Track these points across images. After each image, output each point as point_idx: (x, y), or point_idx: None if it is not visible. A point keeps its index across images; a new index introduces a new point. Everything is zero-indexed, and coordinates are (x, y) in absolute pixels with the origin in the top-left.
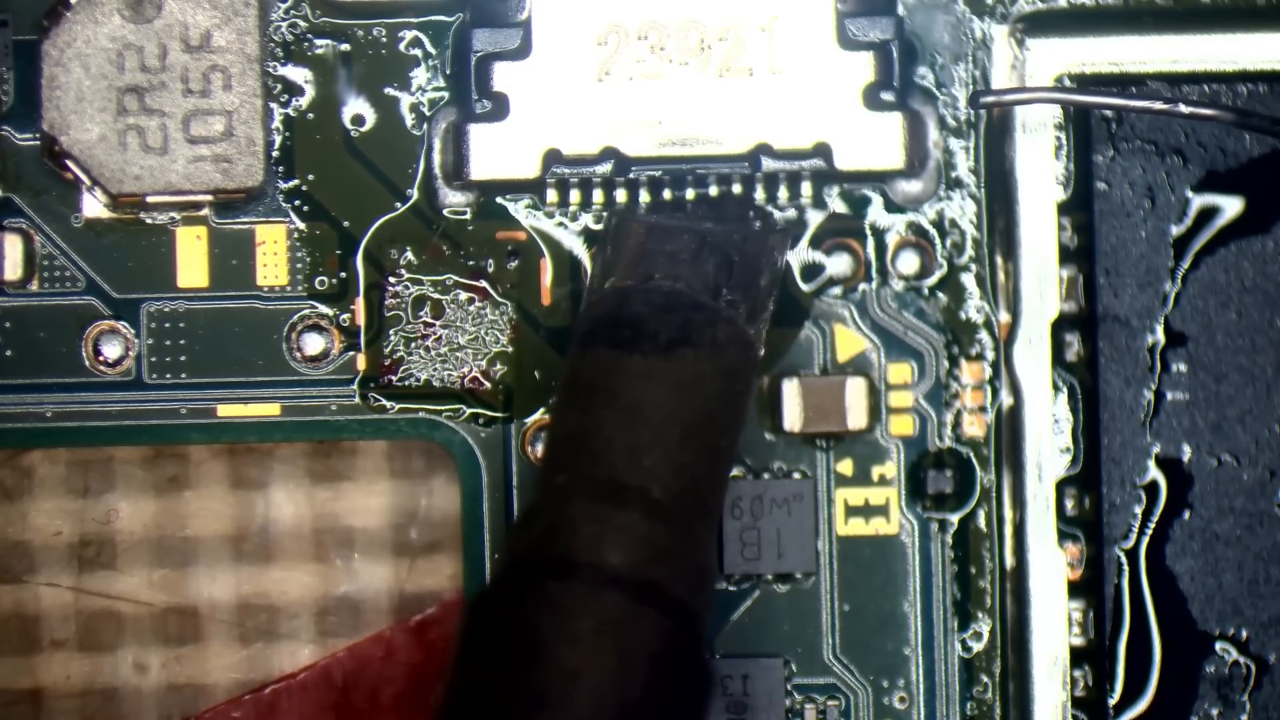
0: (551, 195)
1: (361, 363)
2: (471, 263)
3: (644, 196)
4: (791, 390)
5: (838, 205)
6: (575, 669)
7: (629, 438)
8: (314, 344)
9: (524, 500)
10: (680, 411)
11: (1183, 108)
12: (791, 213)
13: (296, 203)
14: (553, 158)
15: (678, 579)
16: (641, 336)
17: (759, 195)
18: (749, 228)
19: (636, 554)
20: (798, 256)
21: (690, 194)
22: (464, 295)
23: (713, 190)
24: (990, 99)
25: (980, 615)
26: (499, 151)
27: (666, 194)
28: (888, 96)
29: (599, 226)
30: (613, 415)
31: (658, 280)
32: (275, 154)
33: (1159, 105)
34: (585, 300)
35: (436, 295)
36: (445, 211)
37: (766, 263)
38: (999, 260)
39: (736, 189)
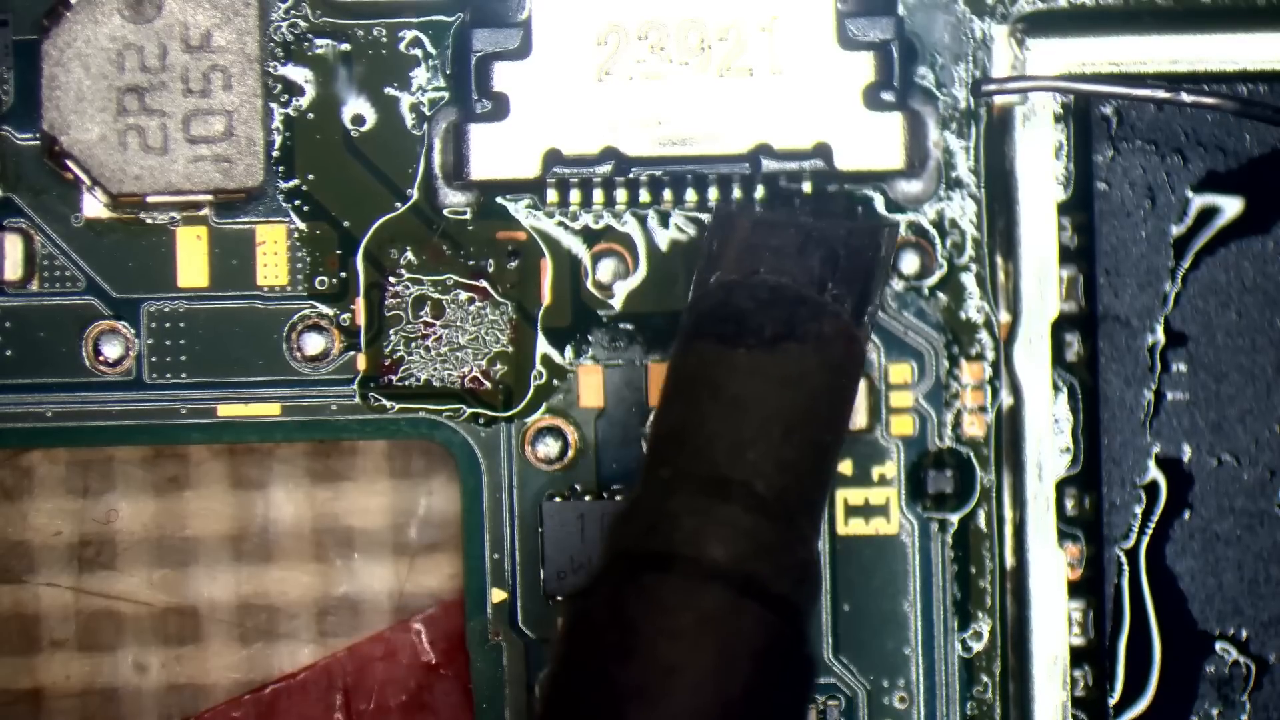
0: (552, 195)
1: (362, 363)
2: (471, 263)
3: (644, 197)
4: None
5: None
6: (675, 664)
7: (732, 432)
8: (314, 344)
9: (523, 501)
10: (784, 406)
11: (1184, 96)
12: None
13: (297, 203)
14: (553, 158)
15: (780, 574)
16: (746, 331)
17: (759, 195)
18: (855, 222)
19: (738, 548)
20: None
21: (690, 194)
22: (464, 295)
23: (713, 191)
24: (992, 87)
25: (980, 615)
26: (499, 151)
27: (667, 194)
28: (888, 96)
29: (599, 226)
30: (716, 409)
31: (763, 275)
32: (275, 154)
33: (1160, 94)
34: (690, 295)
35: (437, 295)
36: (445, 211)
37: (873, 257)
38: (999, 260)
39: (736, 191)
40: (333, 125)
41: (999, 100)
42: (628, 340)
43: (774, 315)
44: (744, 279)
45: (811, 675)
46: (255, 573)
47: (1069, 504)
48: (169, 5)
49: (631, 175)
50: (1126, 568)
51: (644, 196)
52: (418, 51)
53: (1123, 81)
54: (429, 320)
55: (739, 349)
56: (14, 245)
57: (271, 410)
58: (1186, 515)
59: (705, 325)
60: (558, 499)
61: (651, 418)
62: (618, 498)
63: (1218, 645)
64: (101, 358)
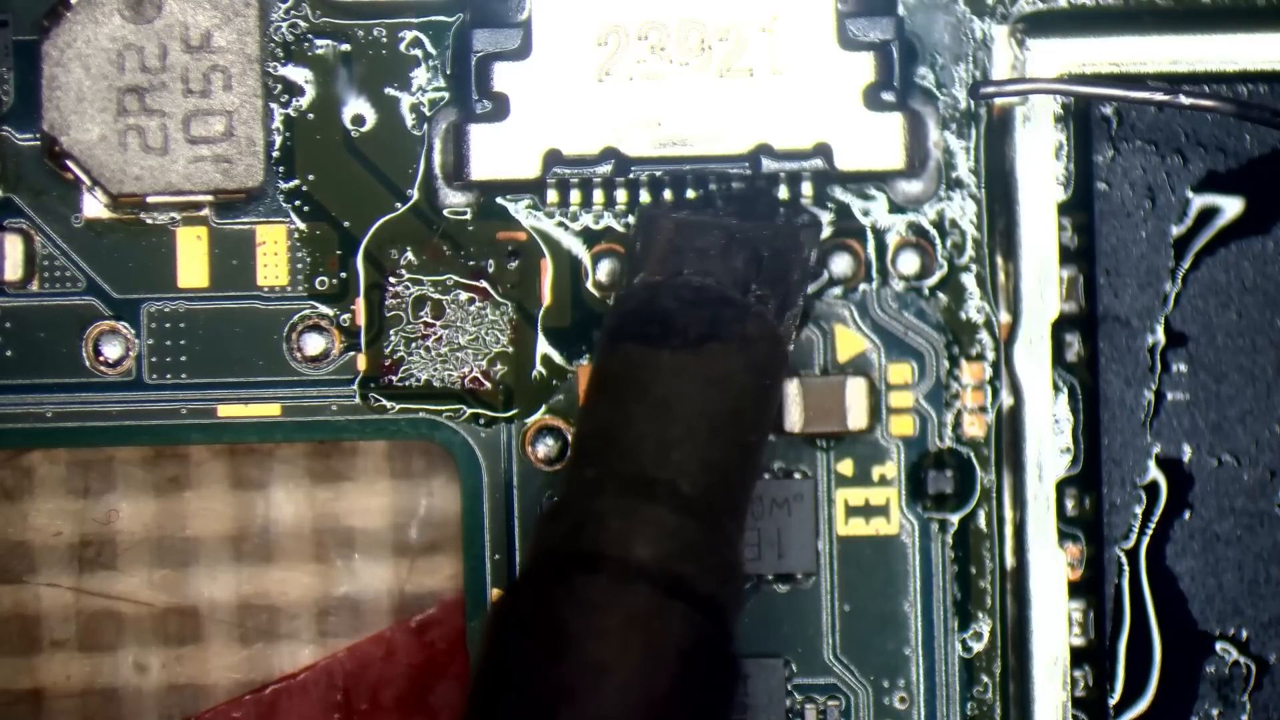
0: (552, 195)
1: (362, 363)
2: (472, 263)
3: (644, 197)
4: (792, 390)
5: (841, 213)
6: (603, 663)
7: (658, 432)
8: (314, 344)
9: (524, 501)
10: (709, 406)
11: (1183, 98)
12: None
13: (297, 203)
14: (553, 158)
15: (706, 574)
16: (671, 331)
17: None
18: (778, 223)
19: (665, 548)
20: None
21: (691, 194)
22: (464, 295)
23: (714, 187)
24: (991, 89)
25: (980, 615)
26: (499, 152)
27: (667, 194)
28: (888, 97)
29: (599, 226)
30: (642, 410)
31: (687, 275)
32: (275, 154)
33: (1159, 96)
34: (615, 296)
35: (437, 295)
36: (445, 211)
37: (796, 257)
38: (999, 260)
39: (736, 188)
40: (333, 125)
41: (999, 101)
42: None
43: (699, 316)
44: (668, 279)
45: (737, 675)
46: (255, 573)
47: (1069, 504)
48: (169, 5)
49: (631, 175)
50: (1126, 568)
51: (644, 197)
52: (418, 52)
53: (1121, 84)
54: (429, 320)
55: (664, 350)
56: (14, 245)
57: (271, 410)
58: (1186, 515)
59: (630, 325)
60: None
61: (577, 417)
62: None
63: (1218, 645)
64: (101, 358)
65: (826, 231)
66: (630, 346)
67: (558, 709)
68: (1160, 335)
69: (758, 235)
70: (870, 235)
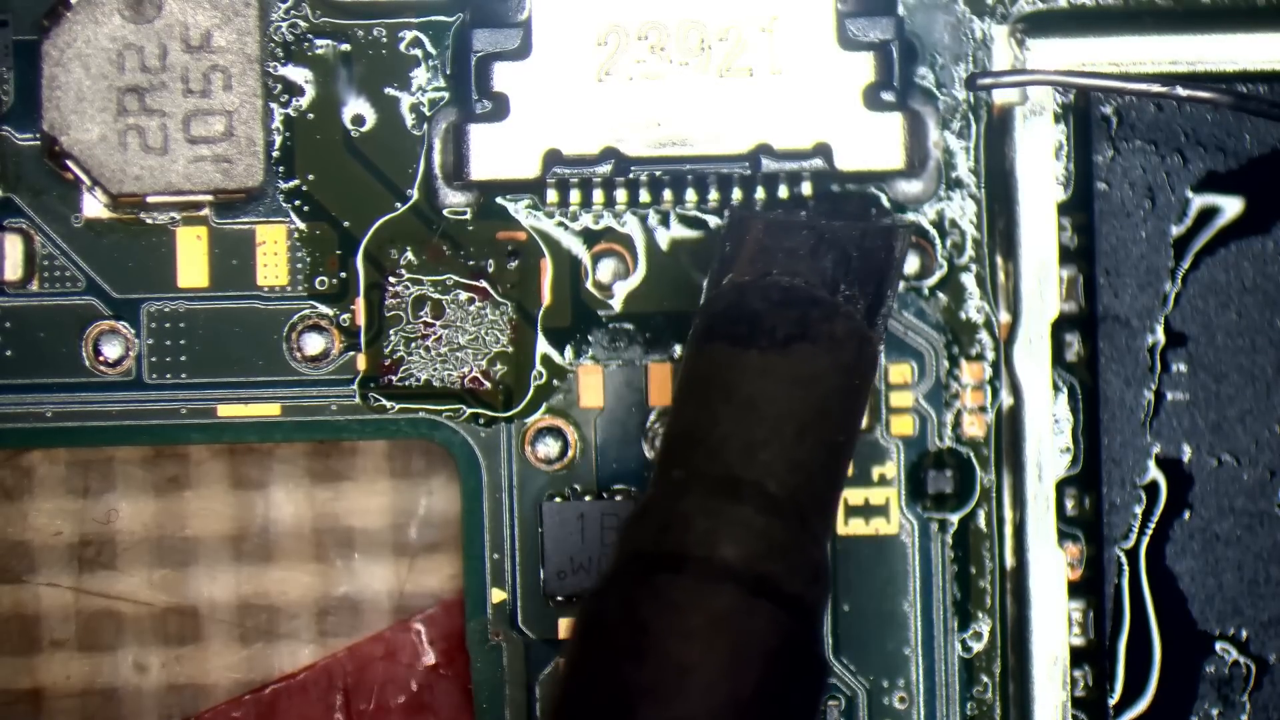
0: (551, 195)
1: (361, 363)
2: (471, 263)
3: (644, 197)
4: None
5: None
6: (687, 663)
7: (745, 433)
8: (314, 344)
9: (523, 501)
10: (796, 407)
11: (1180, 90)
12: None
13: (297, 203)
14: (553, 158)
15: (793, 573)
16: (758, 332)
17: (759, 195)
18: (868, 224)
19: (751, 548)
20: None
21: (690, 195)
22: (464, 295)
23: (713, 192)
24: (988, 80)
25: (980, 615)
26: (499, 151)
27: (667, 194)
28: (888, 96)
29: (599, 226)
30: (729, 410)
31: (775, 276)
32: (275, 154)
33: (1155, 88)
34: (703, 296)
35: (436, 295)
36: (445, 211)
37: (886, 258)
38: (999, 260)
39: (736, 191)
40: (333, 125)
41: (999, 100)
42: (628, 340)
43: (787, 316)
44: (756, 280)
45: (824, 675)
46: (255, 573)
47: (1069, 504)
48: (169, 5)
49: (631, 175)
50: (1126, 568)
51: (644, 196)
52: (418, 52)
53: (1118, 77)
54: (429, 320)
55: (751, 350)
56: (14, 245)
57: (271, 410)
58: (1186, 515)
59: (718, 326)
60: (558, 499)
61: (665, 419)
62: (618, 498)
63: (1218, 645)
64: (101, 358)
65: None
66: (718, 347)
67: (639, 709)
68: (1160, 335)
69: (847, 236)
70: None
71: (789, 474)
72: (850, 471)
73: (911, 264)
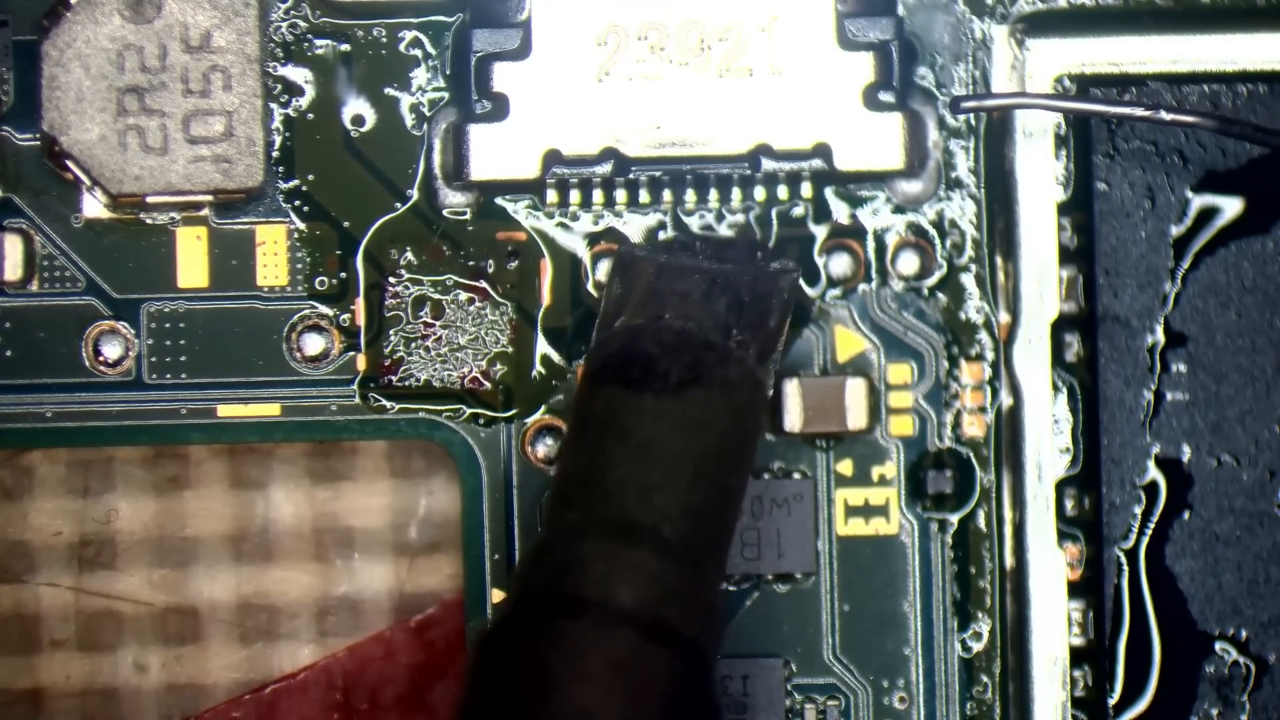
0: (551, 196)
1: (361, 363)
2: (471, 263)
3: (644, 197)
4: (791, 390)
5: (840, 214)
6: (586, 708)
7: (640, 477)
8: (314, 344)
9: (524, 501)
10: (691, 451)
11: (1164, 114)
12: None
13: (296, 203)
14: (553, 158)
15: (688, 618)
16: (652, 376)
17: (759, 195)
18: (759, 267)
19: (647, 593)
20: (798, 257)
21: (690, 195)
22: (464, 295)
23: (713, 192)
24: (971, 104)
25: (980, 615)
26: (499, 152)
27: (667, 194)
28: (888, 97)
29: (599, 227)
30: (624, 454)
31: (668, 319)
32: (275, 154)
33: (1139, 112)
34: (595, 337)
35: (436, 295)
36: (445, 212)
37: (777, 302)
38: (999, 260)
39: (736, 191)
40: (333, 125)
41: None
42: None
43: (680, 360)
44: (650, 323)
45: (718, 718)
46: (255, 573)
47: (1069, 504)
48: (169, 5)
49: (631, 175)
50: (1126, 568)
51: (644, 197)
52: (418, 52)
53: (1102, 100)
54: (429, 320)
55: (646, 394)
56: (14, 245)
57: (271, 410)
58: (1186, 515)
59: (611, 368)
60: None
61: (558, 455)
62: None
63: (1217, 645)
64: (101, 358)
65: (822, 235)
66: (612, 390)
67: None
68: (1160, 335)
69: (739, 279)
70: (870, 235)
71: (683, 518)
72: (849, 471)
73: (911, 264)
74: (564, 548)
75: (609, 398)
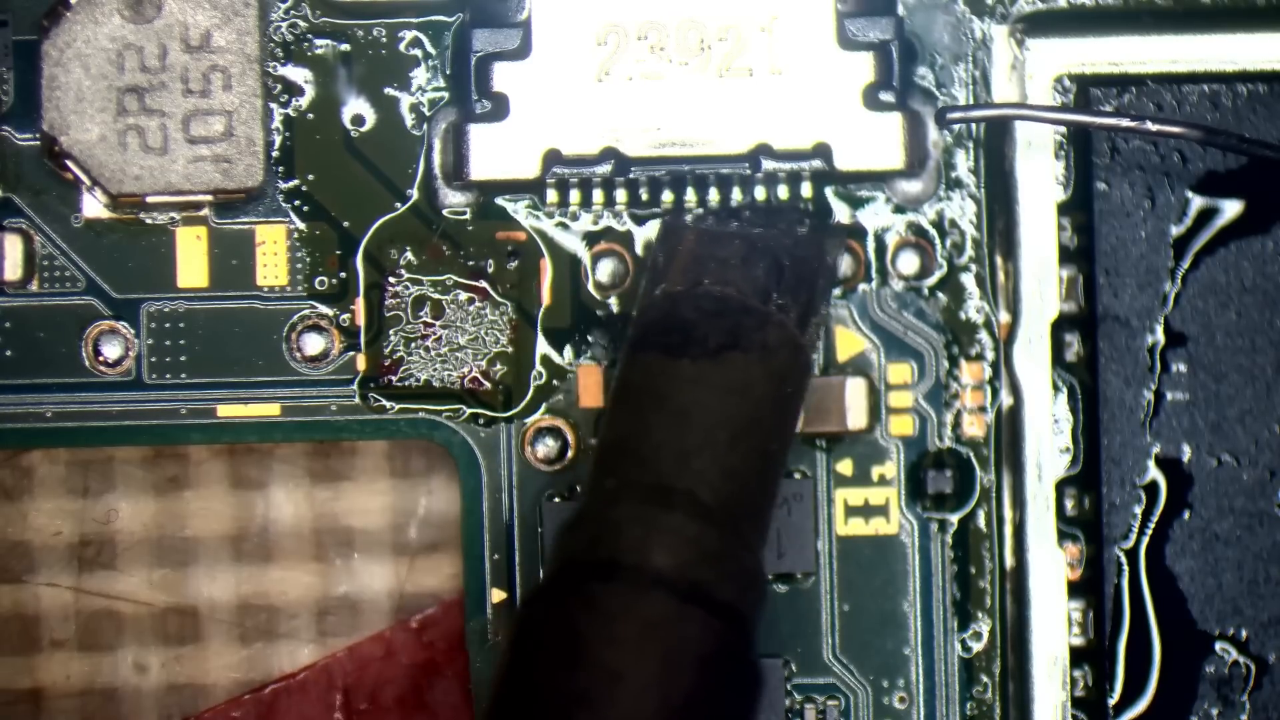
0: (551, 195)
1: (361, 363)
2: (471, 263)
3: (644, 197)
4: None
5: (841, 213)
6: (619, 671)
7: (677, 441)
8: (314, 344)
9: (523, 501)
10: (729, 415)
11: (1150, 124)
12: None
13: (296, 203)
14: (553, 158)
15: (725, 580)
16: (691, 341)
17: (759, 195)
18: (800, 231)
19: (683, 556)
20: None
21: (690, 194)
22: (464, 295)
23: (713, 192)
24: (957, 115)
25: (980, 615)
26: (499, 151)
27: (667, 195)
28: (887, 97)
29: (599, 227)
30: (661, 419)
31: (707, 285)
32: (275, 154)
33: (1125, 122)
34: (636, 306)
35: (436, 295)
36: (445, 211)
37: (819, 266)
38: (999, 260)
39: (736, 191)
40: (333, 125)
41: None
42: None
43: (719, 325)
44: (689, 290)
45: (758, 682)
46: (255, 573)
47: (1069, 504)
48: (169, 5)
49: (631, 175)
50: (1126, 568)
51: (644, 197)
52: (418, 51)
53: (1088, 111)
54: (429, 320)
55: (684, 359)
56: (14, 245)
57: (271, 410)
58: (1186, 515)
59: (651, 336)
60: (558, 499)
61: (598, 428)
62: None
63: (1218, 645)
64: (101, 358)
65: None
66: (651, 356)
67: (574, 716)
68: (1160, 335)
69: (779, 244)
70: (870, 235)
71: (721, 482)
72: (849, 471)
73: (911, 264)
74: (601, 513)
75: (648, 365)
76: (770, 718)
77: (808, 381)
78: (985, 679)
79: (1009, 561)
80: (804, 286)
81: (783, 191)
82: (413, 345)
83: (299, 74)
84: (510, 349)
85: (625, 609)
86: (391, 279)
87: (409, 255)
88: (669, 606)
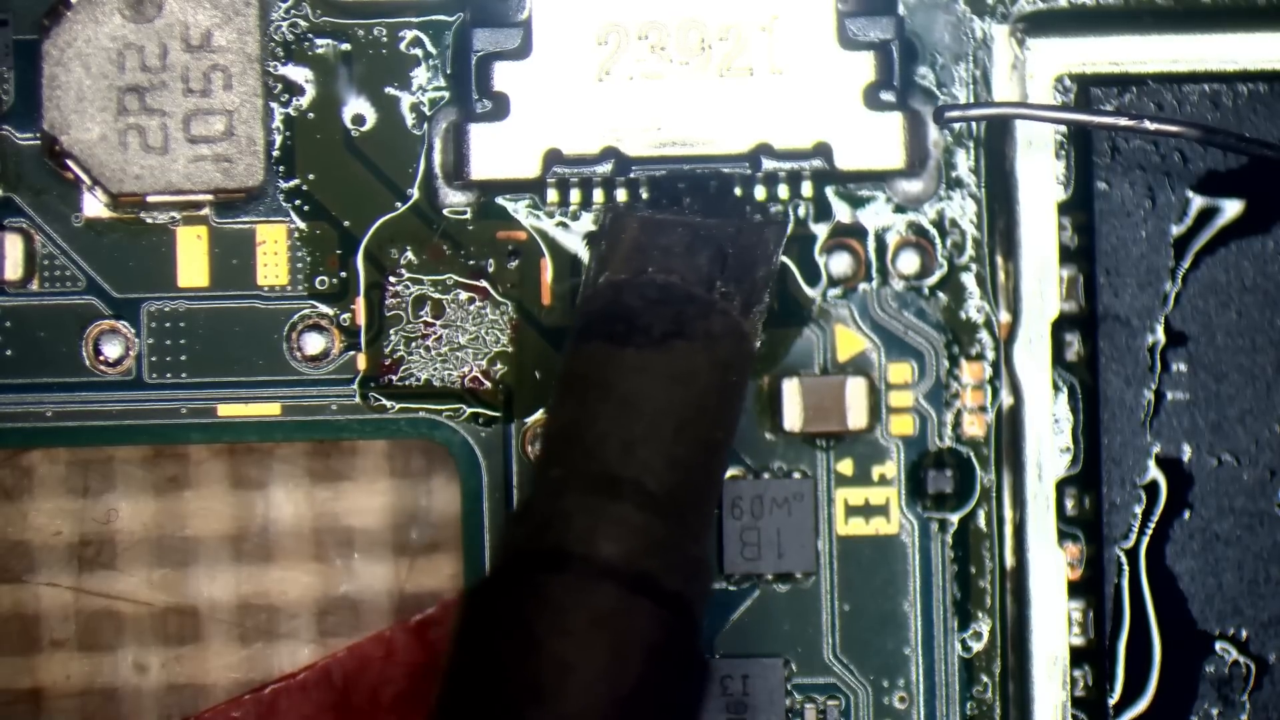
0: (552, 195)
1: (362, 362)
2: (472, 262)
3: (644, 196)
4: (791, 390)
5: (841, 212)
6: (568, 661)
7: (623, 431)
8: (314, 344)
9: (524, 499)
10: (674, 404)
11: (1148, 124)
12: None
13: (297, 202)
14: (553, 158)
15: (672, 570)
16: (635, 330)
17: (759, 195)
18: (744, 221)
19: (630, 546)
20: (798, 257)
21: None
22: (464, 295)
23: (714, 191)
24: (955, 114)
25: (980, 615)
26: (499, 151)
27: (644, 194)
28: (888, 96)
29: (597, 227)
30: (607, 409)
31: (651, 274)
32: (276, 153)
33: (1124, 121)
34: (580, 295)
35: (437, 295)
36: (445, 211)
37: (761, 255)
38: (999, 260)
39: (737, 191)
40: (333, 125)
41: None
42: None
43: (663, 314)
44: (633, 278)
45: (704, 673)
46: (255, 573)
47: (1069, 504)
48: (169, 5)
49: (632, 175)
50: (1126, 568)
51: (644, 196)
52: (418, 51)
53: (1087, 110)
54: (429, 320)
55: (628, 348)
56: (14, 245)
57: (271, 410)
58: (1186, 515)
59: (595, 325)
60: None
61: (544, 418)
62: None
63: (1218, 645)
64: (101, 358)
65: (809, 229)
66: (595, 345)
67: (524, 708)
68: (1160, 335)
69: (722, 232)
70: (870, 235)
71: (667, 471)
72: (849, 471)
73: (911, 264)
74: (547, 504)
75: (592, 354)
76: (770, 718)
77: (750, 370)
78: (985, 679)
79: (1009, 561)
80: (747, 274)
81: (783, 191)
82: (413, 345)
83: (299, 73)
84: (510, 349)
85: (574, 600)
86: (392, 278)
87: (409, 255)
88: (617, 597)
